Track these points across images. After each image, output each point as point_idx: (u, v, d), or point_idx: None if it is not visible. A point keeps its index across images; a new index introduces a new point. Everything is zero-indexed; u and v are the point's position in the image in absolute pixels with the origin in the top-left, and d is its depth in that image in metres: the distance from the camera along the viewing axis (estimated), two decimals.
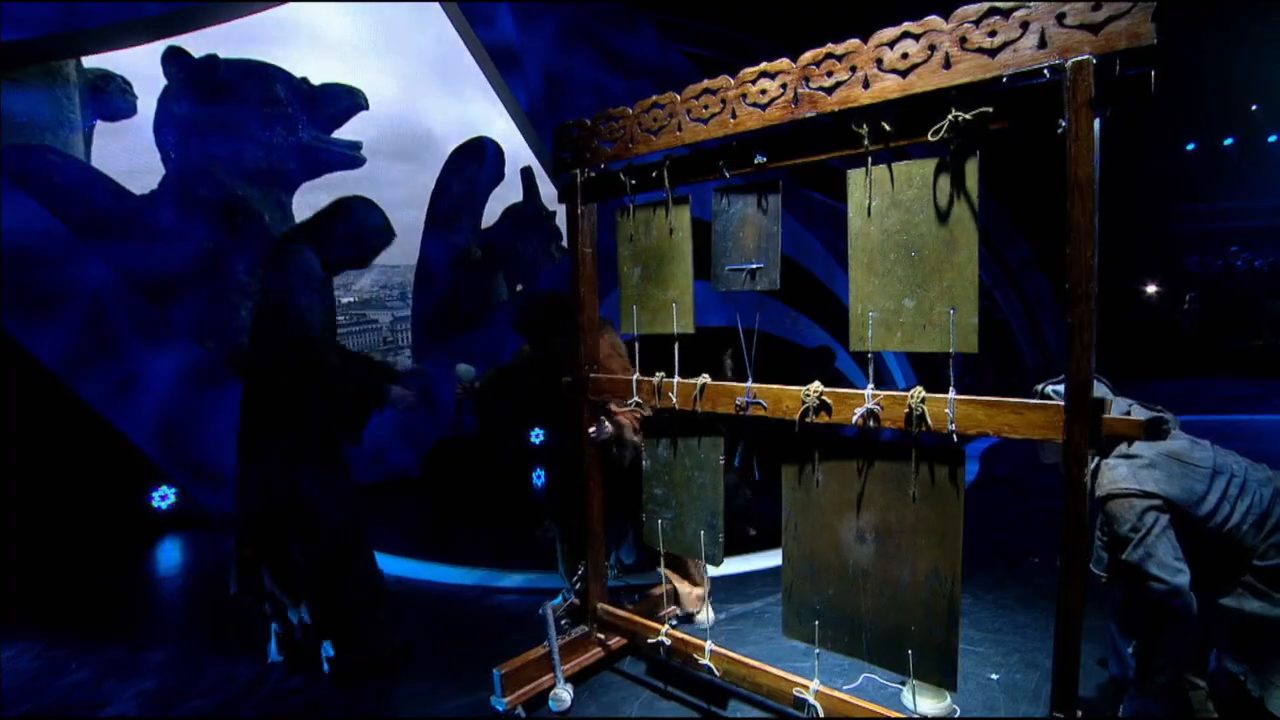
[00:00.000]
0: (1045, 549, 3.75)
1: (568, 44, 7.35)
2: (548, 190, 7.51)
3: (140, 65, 5.76)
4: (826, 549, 1.98)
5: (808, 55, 1.93)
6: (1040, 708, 2.35)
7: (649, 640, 2.47)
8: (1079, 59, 1.52)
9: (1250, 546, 1.82)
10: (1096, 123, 1.53)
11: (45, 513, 4.70)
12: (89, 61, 5.65)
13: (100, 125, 5.76)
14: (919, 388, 1.78)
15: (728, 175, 2.15)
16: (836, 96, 1.88)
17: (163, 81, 5.79)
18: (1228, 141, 15.84)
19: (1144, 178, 11.82)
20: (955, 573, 1.75)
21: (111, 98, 5.71)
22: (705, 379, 2.23)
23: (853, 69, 1.85)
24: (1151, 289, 14.31)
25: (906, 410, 1.78)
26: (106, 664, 2.96)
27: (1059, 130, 1.56)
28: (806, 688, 2.05)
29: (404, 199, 6.73)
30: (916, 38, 1.74)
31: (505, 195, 7.13)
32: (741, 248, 2.14)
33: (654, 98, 2.31)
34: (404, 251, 7.32)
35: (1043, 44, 1.58)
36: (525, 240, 7.38)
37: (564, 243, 7.78)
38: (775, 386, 2.05)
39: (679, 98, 2.23)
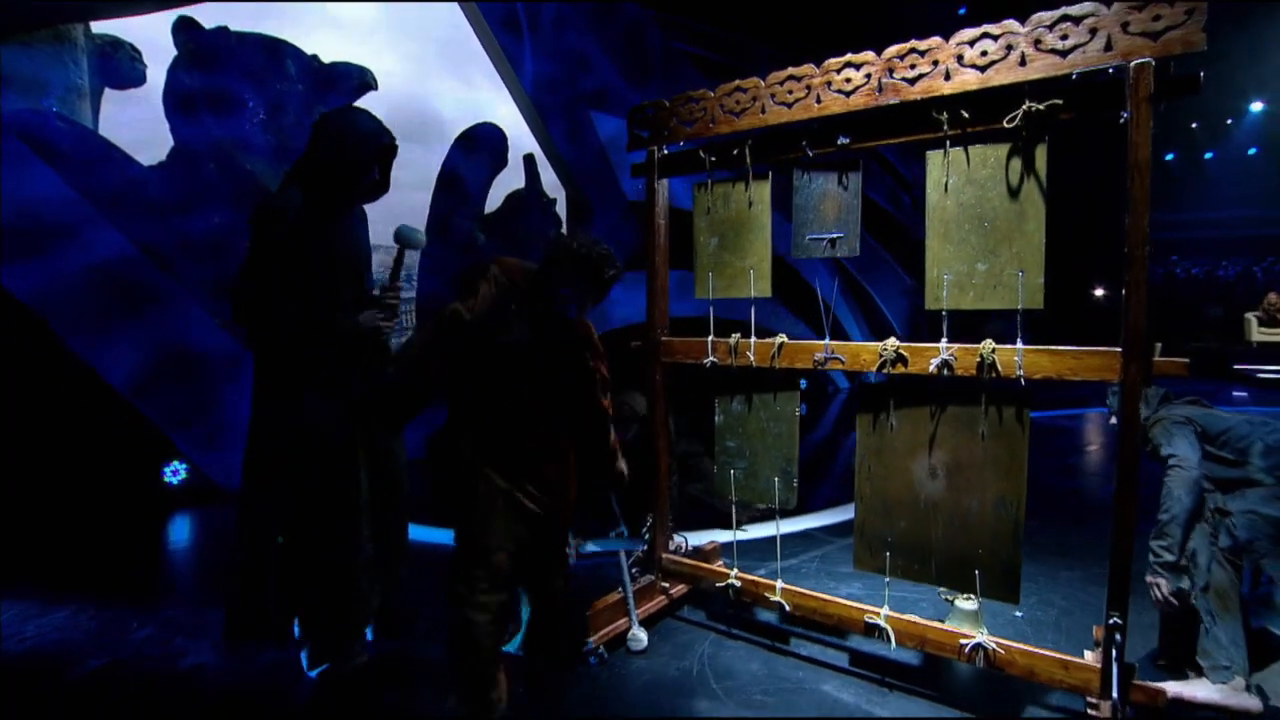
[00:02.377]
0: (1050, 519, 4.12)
1: (574, 36, 7.51)
2: (548, 177, 7.65)
3: (150, 34, 5.70)
4: (899, 486, 2.24)
5: (891, 50, 2.19)
6: (1061, 637, 2.67)
7: (718, 584, 2.70)
8: (1141, 61, 1.82)
9: (1251, 463, 2.19)
10: (1152, 116, 1.83)
11: (66, 486, 4.65)
12: (98, 27, 5.56)
13: (108, 93, 5.66)
14: (989, 340, 2.06)
15: (810, 154, 2.39)
16: (919, 87, 2.14)
17: (172, 51, 5.73)
18: (1169, 157, 16.96)
19: (1097, 190, 12.62)
20: (1020, 499, 2.04)
21: (120, 65, 5.62)
22: (783, 338, 2.47)
23: (934, 63, 2.11)
24: (1100, 293, 15.22)
25: (978, 359, 2.06)
26: (167, 623, 3.02)
27: (1121, 120, 1.86)
28: (878, 614, 2.31)
29: (413, 181, 6.76)
30: (995, 38, 2.02)
31: (508, 181, 7.26)
32: (822, 219, 2.39)
33: (737, 82, 2.53)
34: None
35: (1109, 47, 1.87)
36: (527, 226, 7.51)
37: (564, 229, 7.93)
38: (853, 343, 2.31)
39: (763, 83, 2.47)
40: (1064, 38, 1.92)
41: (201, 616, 3.02)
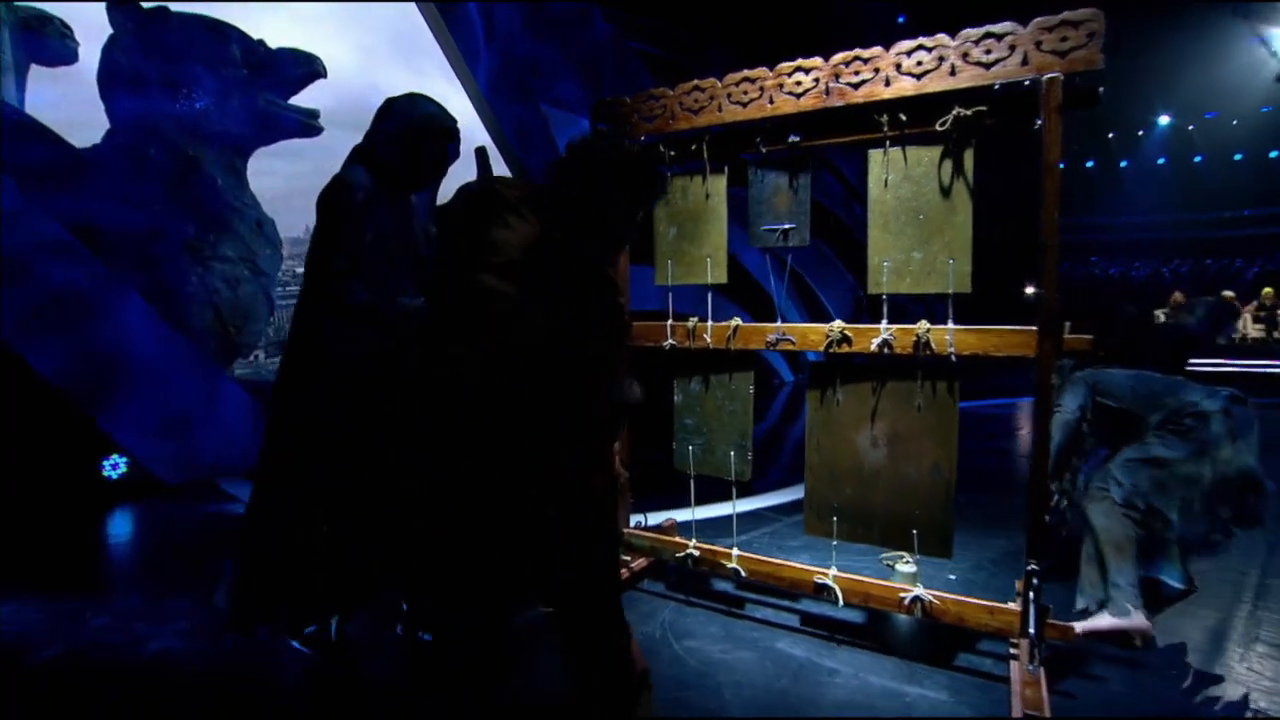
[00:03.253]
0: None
1: (528, 31, 7.56)
2: (501, 170, 7.68)
3: (83, 11, 5.45)
4: (845, 456, 2.46)
5: (838, 56, 2.40)
6: (992, 594, 2.94)
7: (677, 555, 2.87)
8: (1051, 75, 2.06)
9: (1145, 418, 2.59)
10: (1061, 123, 2.08)
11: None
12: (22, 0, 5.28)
13: (36, 70, 5.39)
14: (924, 321, 2.29)
15: (764, 151, 2.58)
16: (862, 91, 2.35)
17: (108, 30, 5.51)
18: (1089, 164, 18.14)
19: (1024, 193, 13.44)
20: (952, 464, 2.27)
21: (49, 41, 5.35)
22: (738, 321, 2.65)
23: (876, 70, 2.32)
24: (1029, 290, 16.19)
25: (915, 338, 2.29)
26: (123, 612, 2.99)
27: (1036, 126, 2.10)
28: (826, 574, 2.52)
29: None
30: (929, 50, 2.24)
31: (460, 174, 7.25)
32: (775, 211, 2.58)
33: (695, 82, 2.70)
34: None
35: (1025, 62, 2.11)
36: None
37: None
38: (802, 325, 2.51)
39: (719, 83, 2.64)
40: (988, 52, 2.16)
41: (159, 605, 3.00)
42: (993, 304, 2.76)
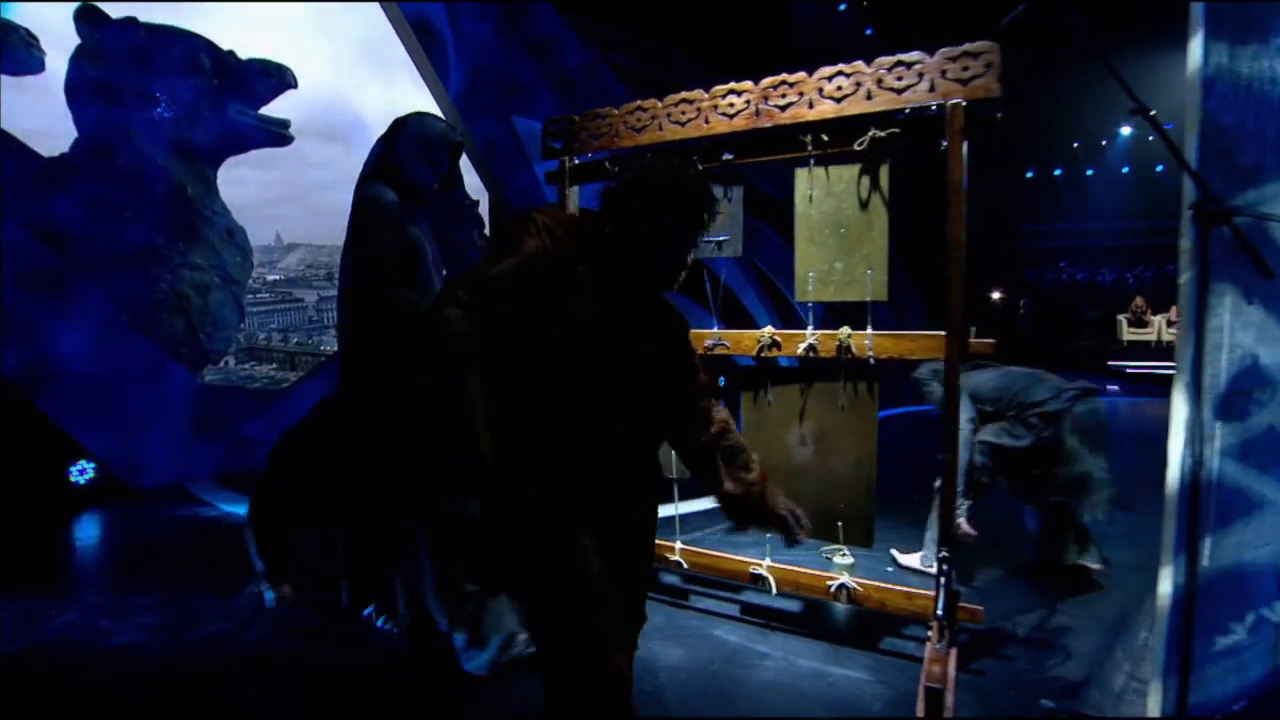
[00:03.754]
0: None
1: (498, 42, 7.70)
2: (471, 180, 7.79)
3: (50, 21, 5.48)
4: (777, 454, 2.62)
5: (766, 81, 2.57)
6: (919, 583, 3.12)
7: None
8: (955, 101, 2.25)
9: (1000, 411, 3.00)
10: (965, 145, 2.27)
11: None
12: None
13: (2, 80, 5.40)
14: (846, 327, 2.46)
15: (700, 168, 2.74)
16: (788, 114, 2.52)
17: (75, 40, 5.55)
18: (1057, 172, 18.64)
19: (996, 200, 13.79)
20: (873, 460, 2.44)
21: (14, 51, 5.38)
22: None
23: (801, 94, 2.50)
24: (997, 295, 16.58)
25: (838, 343, 2.46)
26: (88, 609, 3.07)
27: (942, 148, 2.28)
28: (761, 565, 2.67)
29: (333, 180, 6.77)
30: (848, 75, 2.42)
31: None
32: (714, 223, 2.74)
33: (638, 102, 2.86)
34: (331, 232, 7.35)
35: (932, 89, 2.29)
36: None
37: (487, 230, 8.08)
38: (735, 331, 2.68)
39: (660, 104, 2.80)
40: (900, 79, 2.34)
41: (124, 602, 3.09)
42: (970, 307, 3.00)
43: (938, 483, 2.72)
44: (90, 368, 5.18)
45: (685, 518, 3.10)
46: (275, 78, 6.32)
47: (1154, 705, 1.93)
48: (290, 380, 6.88)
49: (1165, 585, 1.88)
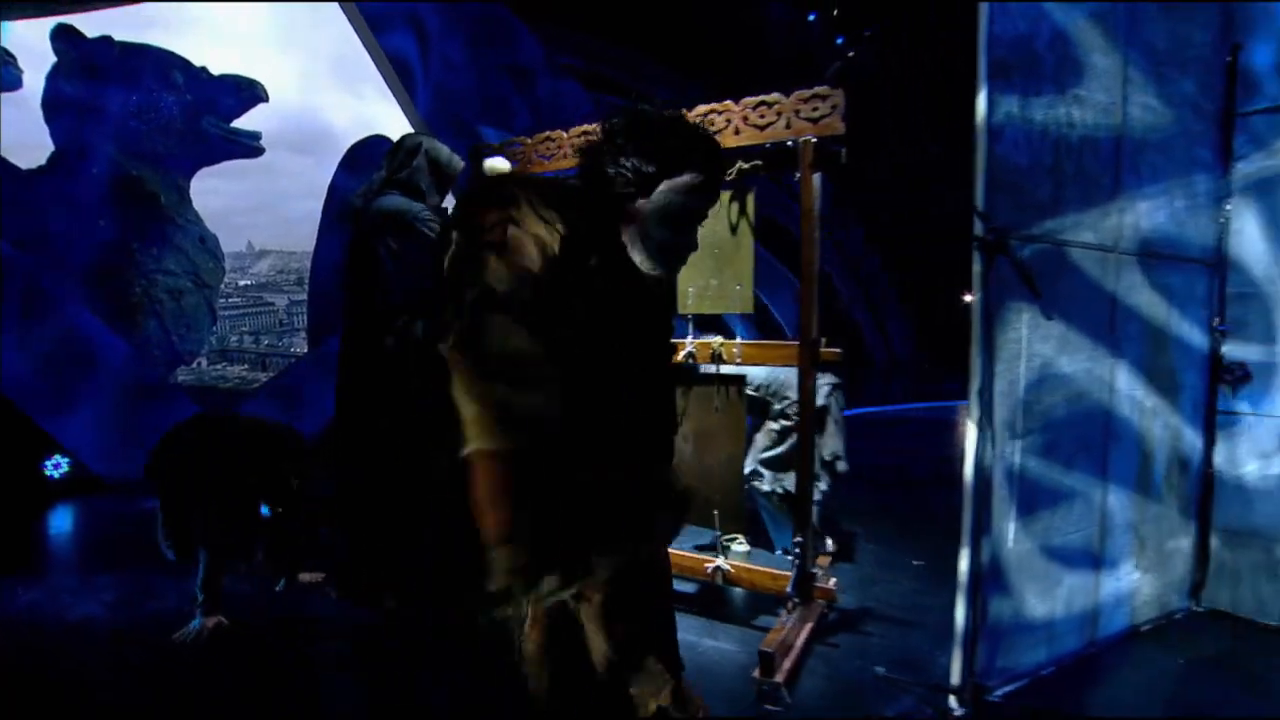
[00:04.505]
0: None
1: (464, 53, 7.99)
2: None
3: (27, 40, 5.76)
4: None
5: None
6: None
7: None
8: (806, 138, 2.56)
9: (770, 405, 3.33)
10: (817, 177, 2.58)
11: None
12: None
13: None
14: (719, 336, 2.77)
15: None
16: None
17: (52, 58, 5.82)
18: None
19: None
20: (740, 455, 2.75)
21: None
22: None
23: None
24: (966, 298, 16.89)
25: (712, 351, 2.76)
26: (53, 589, 3.36)
27: (795, 178, 2.59)
28: None
29: (303, 190, 7.15)
30: (720, 113, 2.73)
31: None
32: None
33: (547, 133, 3.16)
34: (300, 239, 7.66)
35: (789, 126, 2.60)
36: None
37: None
38: None
39: (565, 134, 3.10)
40: (762, 117, 2.65)
41: (88, 582, 3.38)
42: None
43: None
44: (68, 368, 5.47)
45: None
46: (246, 92, 6.60)
47: (955, 669, 2.23)
48: (260, 380, 7.17)
49: (963, 564, 2.19)
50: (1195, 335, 3.09)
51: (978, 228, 2.10)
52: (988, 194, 2.16)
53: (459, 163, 2.80)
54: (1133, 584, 2.84)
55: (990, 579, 2.33)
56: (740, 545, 3.35)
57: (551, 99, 8.75)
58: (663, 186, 1.16)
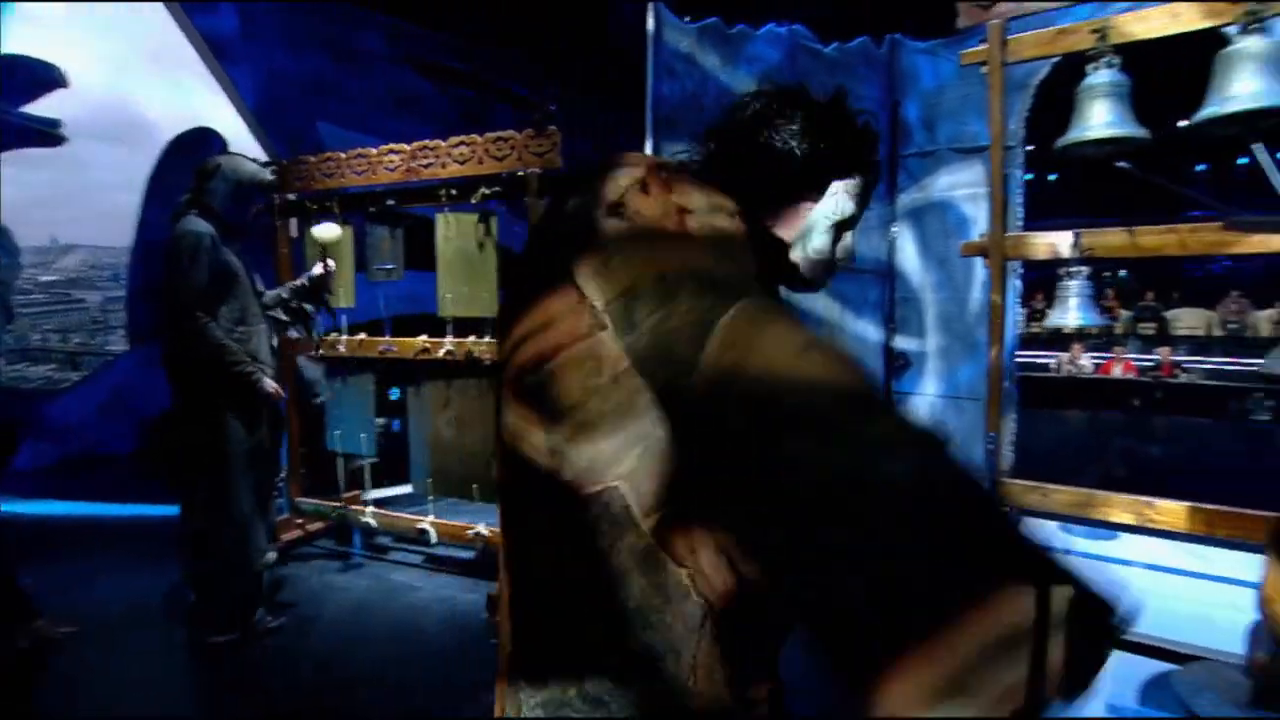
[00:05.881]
0: None
1: (297, 44, 7.92)
2: None
3: None
4: (431, 435, 3.38)
5: (415, 144, 3.30)
6: None
7: (332, 514, 3.68)
8: (533, 171, 3.08)
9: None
10: (543, 203, 3.10)
11: None
12: None
13: None
14: (473, 335, 3.26)
15: (372, 210, 3.44)
16: (429, 171, 3.27)
17: None
18: None
19: None
20: (492, 433, 3.25)
21: None
22: (362, 336, 3.50)
23: (437, 157, 3.25)
24: None
25: (467, 349, 3.25)
26: None
27: (526, 202, 3.11)
28: (425, 520, 3.44)
29: (116, 182, 6.82)
30: (468, 145, 3.20)
31: None
32: (382, 255, 3.45)
33: (327, 154, 3.51)
34: (115, 233, 7.34)
35: (520, 159, 3.11)
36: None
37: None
38: (403, 339, 3.41)
39: (343, 156, 3.46)
40: (500, 150, 3.15)
41: None
42: None
43: None
44: None
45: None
46: (41, 74, 6.27)
47: None
48: (72, 380, 6.88)
49: None
50: (871, 331, 3.94)
51: None
52: None
53: (266, 176, 2.92)
54: None
55: None
56: None
57: (395, 91, 8.83)
58: (835, 187, 0.88)
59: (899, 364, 4.00)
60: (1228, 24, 1.99)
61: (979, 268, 3.54)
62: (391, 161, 3.34)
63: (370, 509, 3.60)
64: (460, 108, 9.03)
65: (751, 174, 0.83)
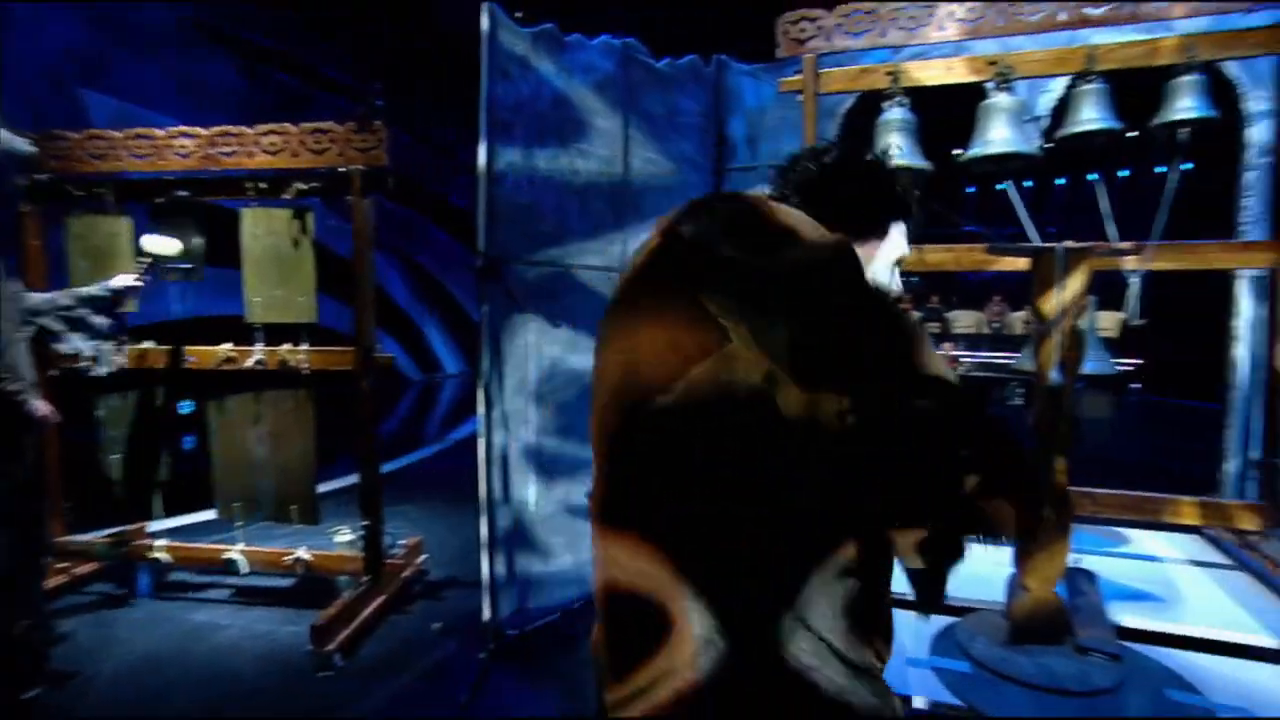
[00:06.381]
0: None
1: (64, 11, 6.72)
2: None
3: None
4: (240, 451, 3.02)
5: (213, 129, 2.93)
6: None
7: (112, 553, 3.16)
8: (356, 167, 2.86)
9: None
10: (368, 201, 2.90)
11: None
12: None
13: None
14: (288, 344, 2.96)
15: (160, 200, 3.00)
16: (232, 160, 2.92)
17: None
18: None
19: None
20: (312, 449, 2.98)
21: None
22: (148, 345, 3.04)
23: (242, 145, 2.91)
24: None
25: (281, 358, 2.94)
26: None
27: (348, 200, 2.89)
28: (233, 549, 3.07)
29: None
30: (280, 135, 2.90)
31: None
32: (178, 252, 3.02)
33: (91, 130, 3.00)
34: None
35: (341, 155, 2.88)
36: None
37: None
38: (202, 347, 3.01)
39: (119, 134, 2.99)
40: (319, 143, 2.89)
41: None
42: None
43: None
44: None
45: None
46: None
47: (485, 610, 2.76)
48: None
49: (484, 530, 2.72)
50: None
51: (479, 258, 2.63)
52: (489, 228, 2.68)
53: (24, 146, 2.65)
54: None
55: (517, 539, 2.92)
56: (345, 535, 3.59)
57: (185, 65, 7.79)
58: (893, 230, 0.99)
59: None
60: (987, 80, 2.33)
61: None
62: (184, 147, 2.94)
63: (161, 541, 3.14)
64: (278, 98, 8.24)
65: (836, 218, 0.87)
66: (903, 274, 1.04)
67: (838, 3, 3.07)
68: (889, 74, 2.52)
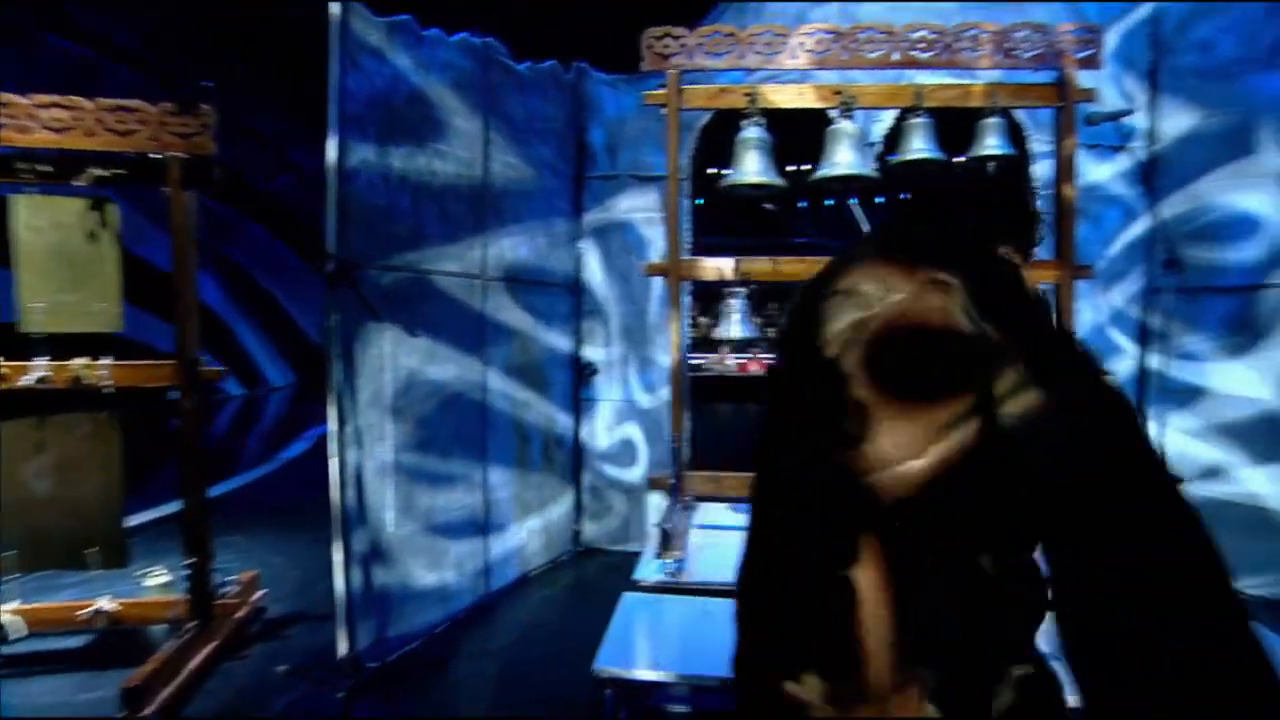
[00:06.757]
0: None
1: None
2: None
3: None
4: (12, 491, 2.50)
5: None
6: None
7: None
8: (175, 154, 2.49)
9: None
10: (190, 194, 2.54)
11: None
12: None
13: None
14: (84, 358, 2.50)
15: None
16: (1, 135, 2.41)
17: None
18: None
19: None
20: (117, 480, 2.54)
21: None
22: None
23: (12, 117, 2.42)
24: None
25: (74, 375, 2.48)
26: None
27: (166, 193, 2.51)
28: (3, 609, 2.52)
29: None
30: (67, 109, 2.44)
31: None
32: None
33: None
34: None
35: (155, 139, 2.49)
36: None
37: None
38: None
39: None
40: (123, 123, 2.47)
41: None
42: None
43: None
44: None
45: None
46: None
47: (342, 644, 2.51)
48: None
49: (338, 555, 2.48)
50: (562, 342, 4.08)
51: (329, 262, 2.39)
52: (340, 229, 2.46)
53: None
54: (520, 541, 3.62)
55: (375, 562, 2.69)
56: (158, 577, 3.10)
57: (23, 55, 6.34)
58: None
59: (588, 372, 4.23)
60: (833, 107, 2.54)
61: (656, 284, 3.96)
62: None
63: None
64: (56, 67, 7.01)
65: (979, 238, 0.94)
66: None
67: (695, 21, 3.20)
68: (747, 95, 2.65)
